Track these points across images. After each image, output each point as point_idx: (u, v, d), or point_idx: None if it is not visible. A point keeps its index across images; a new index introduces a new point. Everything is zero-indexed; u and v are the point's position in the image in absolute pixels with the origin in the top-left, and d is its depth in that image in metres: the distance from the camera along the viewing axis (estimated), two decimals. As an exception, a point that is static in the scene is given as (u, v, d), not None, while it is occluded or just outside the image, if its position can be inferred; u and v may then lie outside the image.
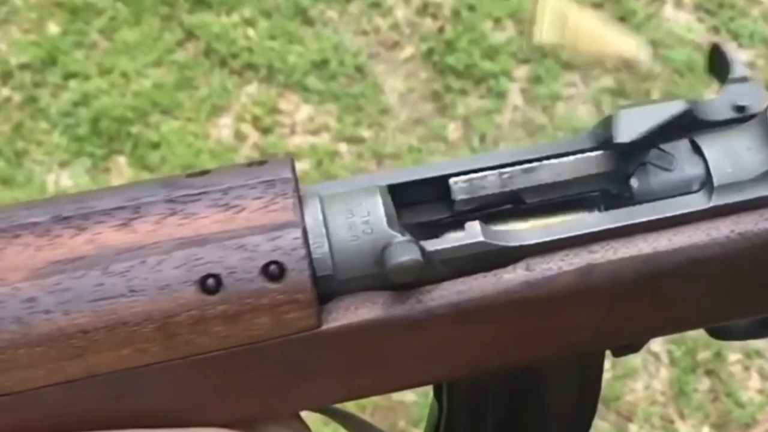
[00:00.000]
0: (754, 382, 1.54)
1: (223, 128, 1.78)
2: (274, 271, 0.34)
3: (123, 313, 0.33)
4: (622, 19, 1.94)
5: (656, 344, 1.56)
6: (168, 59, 1.87)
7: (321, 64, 1.86)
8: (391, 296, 0.35)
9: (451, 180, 0.38)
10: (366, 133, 1.78)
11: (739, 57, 0.40)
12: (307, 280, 0.34)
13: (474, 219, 0.37)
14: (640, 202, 0.37)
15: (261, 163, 0.36)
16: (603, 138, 0.38)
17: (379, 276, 0.35)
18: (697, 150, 0.38)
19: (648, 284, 0.37)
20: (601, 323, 0.38)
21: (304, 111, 1.80)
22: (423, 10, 1.95)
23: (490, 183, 0.38)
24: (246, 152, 1.73)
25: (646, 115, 0.37)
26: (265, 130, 1.77)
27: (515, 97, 1.84)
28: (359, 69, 1.87)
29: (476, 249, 0.36)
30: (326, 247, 0.35)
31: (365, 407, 1.42)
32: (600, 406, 1.45)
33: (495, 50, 1.88)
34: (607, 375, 1.52)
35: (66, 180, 1.71)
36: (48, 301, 0.33)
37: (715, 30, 1.93)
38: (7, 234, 0.34)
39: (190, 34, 1.90)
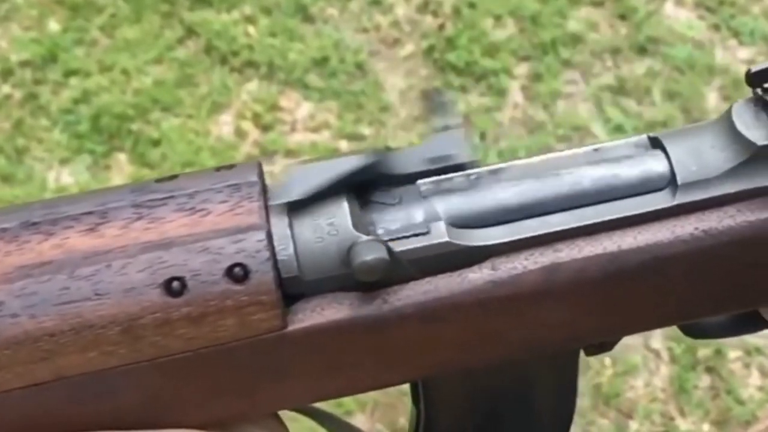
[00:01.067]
0: (755, 379, 1.55)
1: (224, 125, 1.78)
2: (238, 274, 0.34)
3: (88, 317, 0.33)
4: (623, 17, 1.94)
5: (656, 341, 1.57)
6: (168, 56, 1.87)
7: (321, 62, 1.86)
8: (358, 297, 0.36)
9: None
10: (366, 130, 1.78)
11: (452, 103, 0.39)
12: (270, 281, 0.34)
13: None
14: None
15: (229, 167, 0.37)
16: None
17: (345, 277, 0.35)
18: (661, 148, 0.38)
19: (614, 282, 0.37)
20: (569, 322, 0.38)
21: (305, 108, 1.80)
22: (423, 8, 1.95)
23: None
24: (246, 149, 1.73)
25: (318, 171, 0.36)
26: (266, 128, 1.77)
27: (516, 95, 1.84)
28: (360, 66, 1.87)
29: (442, 249, 0.36)
30: (291, 249, 0.35)
31: (365, 404, 1.42)
32: (600, 404, 1.46)
33: (495, 47, 1.88)
34: (607, 372, 1.53)
35: (66, 177, 1.71)
36: (15, 305, 0.33)
37: (716, 27, 1.93)
38: None
39: (190, 32, 1.90)
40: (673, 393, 1.53)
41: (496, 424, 0.46)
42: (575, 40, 1.91)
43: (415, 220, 0.37)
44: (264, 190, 0.36)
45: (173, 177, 0.36)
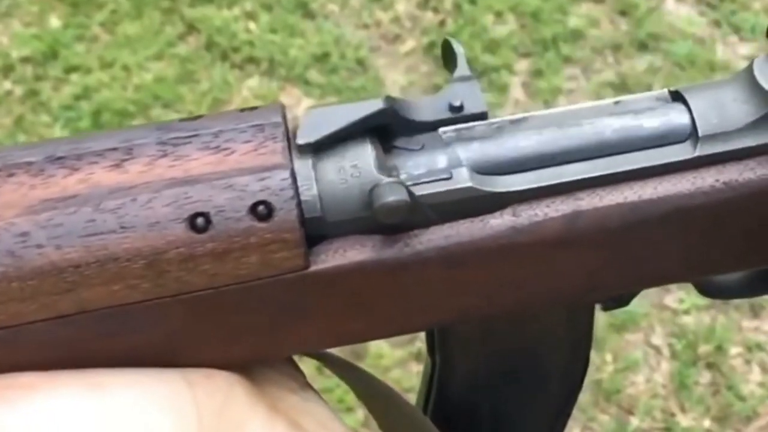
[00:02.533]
0: (755, 375, 1.55)
1: (225, 122, 1.78)
2: (262, 211, 0.34)
3: (114, 249, 0.34)
4: (624, 13, 1.94)
5: (657, 337, 1.57)
6: (169, 53, 1.87)
7: (322, 58, 1.86)
8: (380, 239, 0.36)
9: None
10: (367, 126, 1.78)
11: (463, 54, 0.40)
12: (294, 220, 0.34)
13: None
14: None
15: (252, 109, 0.37)
16: None
17: (368, 219, 0.35)
18: (682, 101, 0.38)
19: (634, 232, 0.37)
20: (588, 272, 0.38)
21: (306, 104, 1.80)
22: (424, 4, 1.95)
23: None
24: (247, 146, 1.73)
25: (335, 115, 0.36)
26: (267, 124, 1.77)
27: (516, 91, 1.84)
28: (360, 62, 1.87)
29: (464, 194, 0.36)
30: (315, 190, 0.35)
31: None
32: (601, 400, 1.46)
33: (496, 44, 1.88)
34: (608, 368, 1.53)
35: (67, 173, 1.71)
36: (40, 235, 0.33)
37: (717, 23, 1.93)
38: (2, 173, 0.34)
39: (191, 28, 1.90)
40: (673, 389, 1.53)
41: (509, 377, 0.46)
42: (576, 36, 1.91)
43: (438, 165, 0.37)
44: (287, 132, 0.36)
45: (197, 117, 0.37)
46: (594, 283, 0.39)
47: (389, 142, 0.38)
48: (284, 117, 0.36)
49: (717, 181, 0.37)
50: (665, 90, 0.39)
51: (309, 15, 1.93)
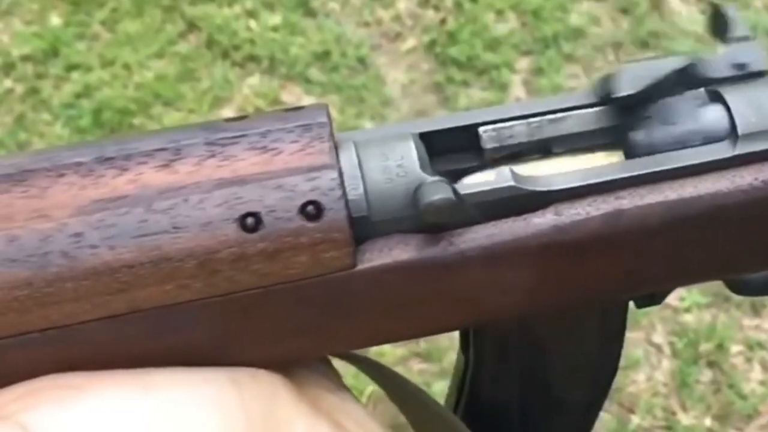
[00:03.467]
0: (756, 373, 1.55)
1: (226, 120, 1.78)
2: (311, 211, 0.34)
3: (166, 249, 0.34)
4: (625, 11, 1.94)
5: (658, 336, 1.57)
6: (170, 51, 1.87)
7: (323, 56, 1.86)
8: (424, 238, 0.36)
9: (480, 129, 0.38)
10: (368, 124, 1.78)
11: (739, 17, 0.41)
12: (343, 219, 0.34)
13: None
14: (660, 151, 0.38)
15: (297, 109, 0.37)
16: (603, 92, 0.39)
17: (412, 218, 0.36)
18: (721, 100, 0.39)
19: (673, 230, 0.37)
20: (628, 269, 0.38)
21: (306, 102, 1.80)
22: (425, 2, 1.95)
23: (518, 132, 0.38)
24: (248, 144, 1.73)
25: (646, 69, 0.38)
26: (268, 122, 1.77)
27: (517, 89, 1.84)
28: (361, 60, 1.87)
29: (506, 193, 0.36)
30: (361, 189, 0.36)
31: (368, 396, 1.42)
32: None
33: (497, 42, 1.88)
34: (609, 366, 1.53)
35: (68, 172, 1.71)
36: (94, 236, 0.34)
37: (718, 21, 1.93)
38: (52, 173, 0.34)
39: (192, 26, 1.90)
40: (675, 387, 1.53)
41: (542, 373, 0.47)
42: (577, 34, 1.91)
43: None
44: (332, 131, 0.36)
45: (243, 117, 0.37)
46: (632, 281, 0.39)
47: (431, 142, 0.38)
48: (329, 116, 0.36)
49: (756, 179, 0.37)
50: (702, 89, 0.40)
51: (310, 13, 1.93)
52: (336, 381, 0.40)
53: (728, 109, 0.38)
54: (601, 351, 0.47)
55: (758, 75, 0.39)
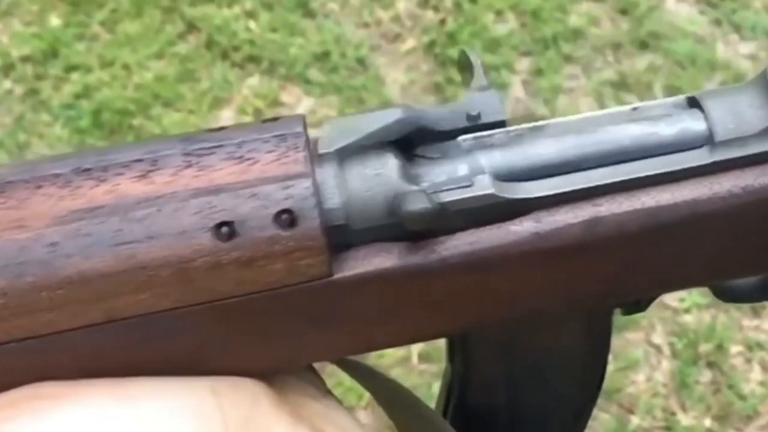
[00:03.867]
0: (756, 374, 1.55)
1: (225, 120, 1.78)
2: (285, 220, 0.35)
3: (141, 258, 0.34)
4: (624, 11, 1.94)
5: (658, 336, 1.57)
6: (169, 51, 1.87)
7: (322, 57, 1.86)
8: (405, 246, 0.36)
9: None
10: (368, 125, 1.78)
11: (480, 64, 0.41)
12: (317, 227, 0.35)
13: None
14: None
15: (274, 119, 0.37)
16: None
17: (392, 227, 0.36)
18: (698, 107, 0.39)
19: (653, 237, 0.38)
20: (609, 276, 0.38)
21: (306, 103, 1.80)
22: (424, 3, 1.95)
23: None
24: (248, 145, 1.73)
25: (358, 123, 0.37)
26: (267, 123, 1.77)
27: (517, 90, 1.85)
28: (361, 61, 1.87)
29: (486, 201, 0.37)
30: (338, 198, 0.36)
31: (366, 401, 1.42)
32: (601, 398, 1.45)
33: (497, 43, 1.88)
34: (609, 367, 1.53)
35: (68, 172, 1.71)
36: (70, 245, 0.34)
37: (717, 22, 1.93)
38: (31, 185, 0.35)
39: (191, 27, 1.90)
40: (674, 388, 1.53)
41: (528, 382, 0.47)
42: (576, 34, 1.91)
43: (460, 173, 0.38)
44: (308, 142, 0.36)
45: (221, 128, 0.37)
46: (613, 288, 0.39)
47: (410, 151, 0.38)
48: (305, 127, 0.37)
49: (734, 186, 0.38)
50: (681, 96, 0.40)
51: (309, 14, 1.93)
52: (320, 388, 0.40)
53: (706, 115, 0.38)
54: (588, 357, 0.47)
55: (495, 125, 0.39)
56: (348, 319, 0.37)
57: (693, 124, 0.38)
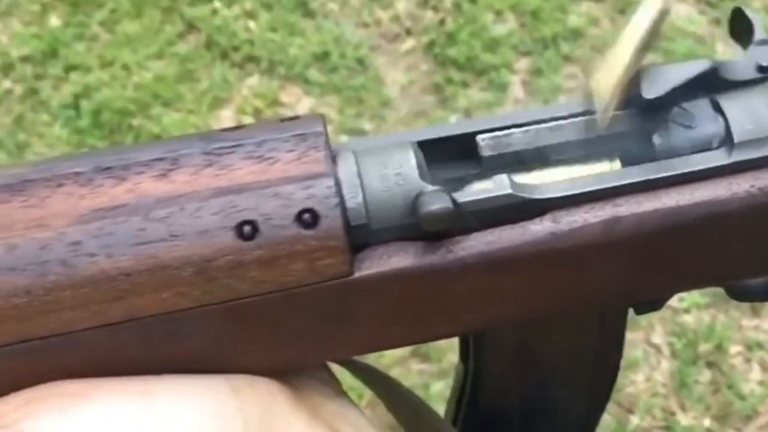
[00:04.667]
0: (755, 374, 1.55)
1: (225, 120, 1.78)
2: (307, 219, 0.35)
3: (164, 257, 0.34)
4: (623, 11, 1.94)
5: (657, 336, 1.57)
6: (169, 51, 1.87)
7: (322, 57, 1.86)
8: (423, 246, 0.36)
9: (478, 137, 0.39)
10: (367, 125, 1.78)
11: (759, 20, 0.41)
12: (340, 227, 0.35)
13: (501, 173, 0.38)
14: (662, 159, 0.38)
15: (293, 118, 0.38)
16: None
17: (411, 226, 0.36)
18: (717, 108, 0.39)
19: (671, 238, 0.38)
20: (626, 276, 0.39)
21: (306, 103, 1.80)
22: (424, 3, 1.95)
23: (516, 140, 0.39)
24: (247, 145, 1.73)
25: (671, 72, 0.38)
26: (267, 123, 1.77)
27: (516, 90, 1.84)
28: (360, 61, 1.87)
29: (504, 201, 0.37)
30: (360, 197, 0.36)
31: (365, 401, 1.42)
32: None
33: (496, 42, 1.88)
34: (608, 367, 1.53)
35: (67, 172, 1.71)
36: (92, 244, 0.34)
37: (717, 22, 1.93)
38: (51, 183, 0.35)
39: (191, 27, 1.90)
40: (674, 388, 1.53)
41: (541, 383, 0.47)
42: (576, 34, 1.91)
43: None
44: (328, 141, 0.36)
45: (239, 127, 0.37)
46: (630, 288, 0.39)
47: (432, 153, 0.38)
48: (325, 126, 0.37)
49: (752, 186, 0.38)
50: (699, 98, 0.40)
51: (309, 14, 1.93)
52: (335, 388, 0.40)
53: (724, 116, 0.39)
54: (601, 358, 0.47)
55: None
56: (365, 317, 0.37)
57: (711, 124, 0.39)
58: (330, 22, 1.91)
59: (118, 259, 0.34)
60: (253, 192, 0.35)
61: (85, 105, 1.79)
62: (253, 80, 1.84)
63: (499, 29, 1.90)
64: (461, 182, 0.38)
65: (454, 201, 0.35)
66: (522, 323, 0.42)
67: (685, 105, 0.39)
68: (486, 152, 0.39)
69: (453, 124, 0.39)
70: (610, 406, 1.49)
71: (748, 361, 1.56)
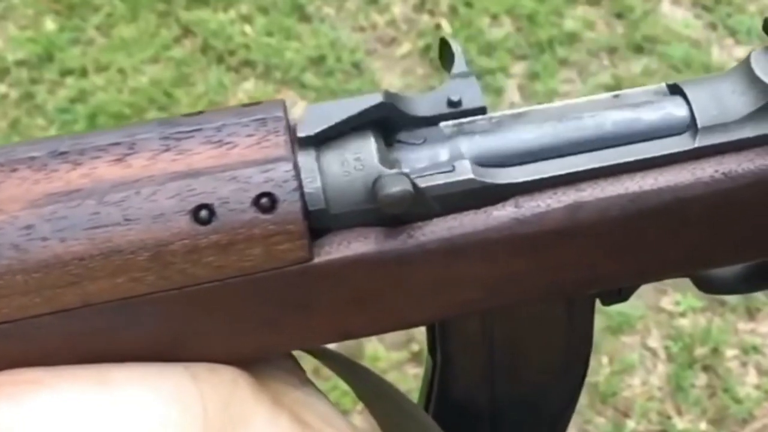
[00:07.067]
0: (752, 377, 1.55)
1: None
2: (265, 203, 0.34)
3: (118, 241, 0.34)
4: (619, 15, 1.94)
5: (653, 340, 1.57)
6: (165, 55, 1.86)
7: (318, 61, 1.86)
8: (384, 231, 0.36)
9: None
10: (363, 129, 1.78)
11: (461, 52, 0.41)
12: (298, 211, 0.34)
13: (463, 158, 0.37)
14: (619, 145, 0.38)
15: (254, 104, 0.37)
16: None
17: (371, 212, 0.36)
18: (680, 94, 0.39)
19: (635, 223, 0.37)
20: (590, 263, 0.38)
21: (302, 107, 1.80)
22: (420, 7, 1.95)
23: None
24: (243, 148, 1.73)
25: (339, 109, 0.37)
26: (263, 127, 1.77)
27: (512, 94, 1.85)
28: (356, 65, 1.87)
29: (466, 186, 0.36)
30: (318, 182, 0.35)
31: (362, 404, 1.42)
32: (597, 402, 1.46)
33: (492, 46, 1.88)
34: (604, 371, 1.53)
35: (63, 176, 1.71)
36: (45, 228, 0.34)
37: (712, 26, 1.93)
38: (5, 168, 0.35)
39: (187, 31, 1.90)
40: (670, 391, 1.53)
41: (510, 376, 0.47)
42: (572, 38, 1.91)
43: (440, 158, 0.37)
44: (289, 126, 0.36)
45: (200, 112, 0.37)
46: (595, 275, 0.39)
47: (391, 137, 0.38)
48: (285, 111, 0.37)
49: (716, 171, 0.38)
50: (663, 84, 0.40)
51: (305, 18, 1.93)
52: (300, 377, 0.40)
53: (688, 101, 0.38)
54: (570, 352, 0.47)
55: (475, 112, 0.39)
56: (326, 305, 0.37)
57: (675, 110, 0.38)
58: (326, 26, 1.91)
59: (72, 244, 0.33)
60: (210, 176, 0.34)
61: (81, 109, 1.79)
62: (249, 84, 1.84)
63: (495, 33, 1.91)
64: (421, 162, 0.37)
65: (413, 184, 0.34)
66: (487, 313, 0.42)
67: (645, 90, 0.39)
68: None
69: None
70: (606, 410, 1.49)
71: (744, 364, 1.56)
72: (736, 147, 0.38)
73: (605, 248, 0.38)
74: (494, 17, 1.93)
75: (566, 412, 0.50)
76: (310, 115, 0.36)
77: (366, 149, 0.36)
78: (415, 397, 0.51)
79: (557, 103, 0.39)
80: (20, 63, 1.85)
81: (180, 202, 0.34)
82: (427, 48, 1.89)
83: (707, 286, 0.48)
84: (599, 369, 1.53)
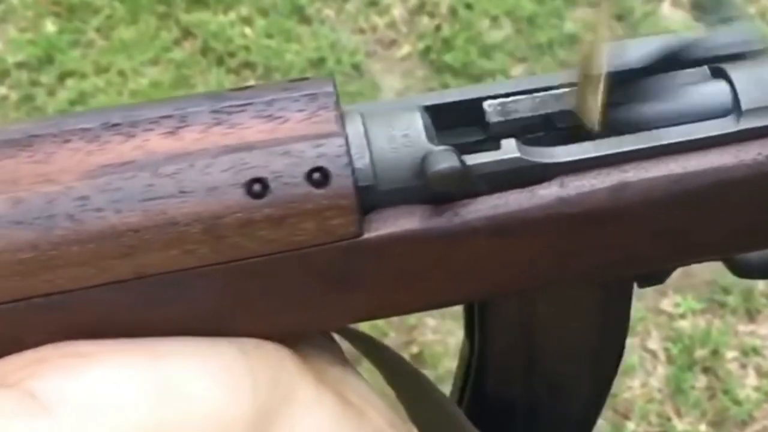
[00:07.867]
0: (751, 379, 1.55)
1: (221, 126, 1.78)
2: (318, 178, 0.34)
3: (173, 213, 0.34)
4: (619, 17, 1.94)
5: (653, 342, 1.57)
6: (165, 57, 1.87)
7: (318, 63, 1.86)
8: (430, 208, 0.36)
9: (485, 103, 0.38)
10: (363, 131, 1.78)
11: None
12: (350, 186, 0.34)
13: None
14: (669, 126, 0.39)
15: (303, 79, 0.37)
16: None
17: (418, 189, 0.36)
18: (724, 76, 0.39)
19: (677, 204, 0.38)
20: (632, 244, 0.38)
21: (302, 109, 1.81)
22: (420, 9, 1.95)
23: (523, 106, 0.38)
24: (243, 150, 1.74)
25: (641, 46, 0.38)
26: (263, 129, 1.77)
27: (512, 96, 1.85)
28: (356, 67, 1.87)
29: (512, 164, 0.36)
30: (367, 158, 0.36)
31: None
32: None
33: (492, 48, 1.89)
34: (604, 373, 1.53)
35: (63, 178, 1.71)
36: (100, 199, 0.33)
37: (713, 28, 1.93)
38: (58, 139, 0.34)
39: (187, 33, 1.90)
40: (669, 393, 1.53)
41: (547, 358, 0.47)
42: (572, 40, 1.91)
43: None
44: (338, 101, 0.36)
45: (248, 87, 0.37)
46: (635, 256, 0.39)
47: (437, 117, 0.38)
48: (335, 87, 0.37)
49: (759, 154, 0.38)
50: (705, 67, 0.40)
51: (305, 20, 1.93)
52: (339, 355, 0.40)
53: (732, 84, 0.39)
54: (605, 338, 0.47)
55: (759, 53, 0.39)
56: (372, 281, 0.37)
57: (719, 92, 0.39)
58: (326, 28, 1.92)
59: (127, 215, 0.33)
60: (263, 150, 0.34)
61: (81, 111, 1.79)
62: (249, 86, 1.84)
63: (495, 35, 1.91)
64: (468, 147, 0.37)
65: (461, 161, 0.35)
66: (528, 294, 0.42)
67: (683, 74, 0.39)
68: (493, 118, 0.38)
69: (459, 90, 0.39)
70: (606, 412, 1.49)
71: (743, 366, 1.56)
72: None
73: (647, 230, 0.38)
74: (494, 19, 1.93)
75: (598, 402, 0.50)
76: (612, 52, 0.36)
77: (414, 126, 0.36)
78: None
79: None
80: (20, 65, 1.85)
81: (234, 176, 0.34)
82: (427, 50, 1.89)
83: (746, 269, 0.48)
84: (599, 371, 1.53)
